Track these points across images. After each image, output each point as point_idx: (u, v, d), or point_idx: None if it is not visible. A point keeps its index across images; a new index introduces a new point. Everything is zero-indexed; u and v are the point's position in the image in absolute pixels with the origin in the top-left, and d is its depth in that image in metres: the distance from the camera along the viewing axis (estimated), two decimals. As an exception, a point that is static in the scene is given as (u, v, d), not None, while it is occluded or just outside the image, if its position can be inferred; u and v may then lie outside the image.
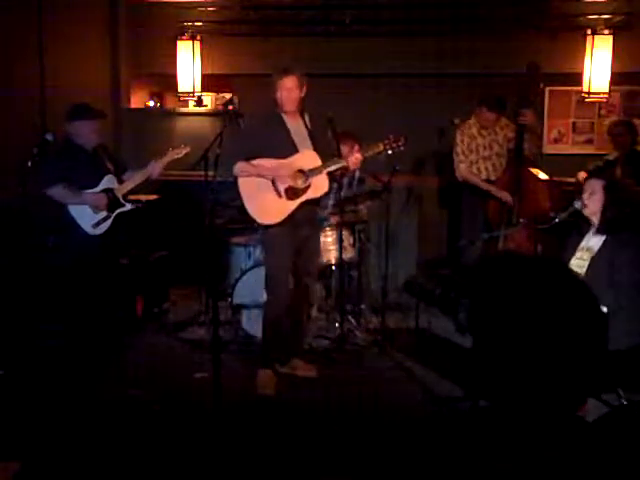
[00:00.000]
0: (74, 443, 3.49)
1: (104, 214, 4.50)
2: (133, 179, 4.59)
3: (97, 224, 4.47)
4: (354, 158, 4.21)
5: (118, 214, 4.55)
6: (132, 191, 4.67)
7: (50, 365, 4.33)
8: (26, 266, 4.73)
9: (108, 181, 4.55)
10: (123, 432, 3.62)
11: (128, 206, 4.57)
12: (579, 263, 3.87)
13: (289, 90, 4.15)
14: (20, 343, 4.48)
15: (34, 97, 5.46)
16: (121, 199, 4.55)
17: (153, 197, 4.94)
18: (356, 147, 4.25)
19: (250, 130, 4.38)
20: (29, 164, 4.54)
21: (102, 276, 4.53)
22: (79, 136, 4.51)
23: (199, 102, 6.77)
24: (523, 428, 3.57)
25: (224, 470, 3.31)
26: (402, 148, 4.27)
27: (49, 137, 4.55)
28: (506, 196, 5.07)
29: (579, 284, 3.57)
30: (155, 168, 4.58)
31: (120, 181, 4.59)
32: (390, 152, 4.26)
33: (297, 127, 4.24)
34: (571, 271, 3.77)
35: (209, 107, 6.92)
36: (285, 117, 4.22)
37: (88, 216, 4.47)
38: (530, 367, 3.64)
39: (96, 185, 4.51)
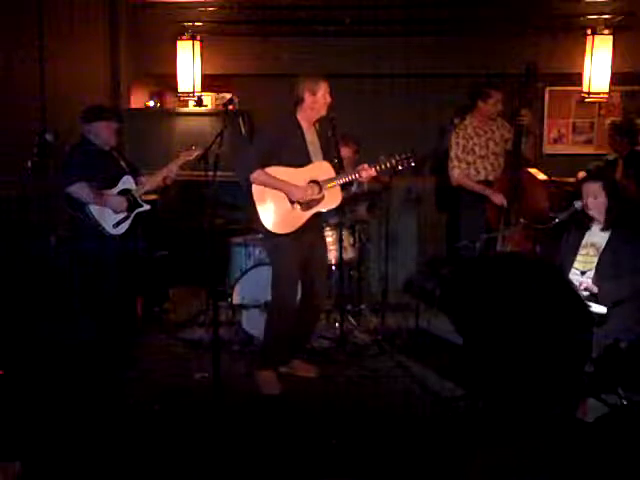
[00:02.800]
0: (74, 443, 3.49)
1: (124, 214, 4.55)
2: (150, 181, 4.64)
3: (117, 224, 4.53)
4: (367, 173, 4.19)
5: (136, 214, 4.59)
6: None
7: (51, 365, 4.33)
8: (32, 266, 4.75)
9: (126, 181, 4.59)
10: (123, 432, 3.63)
11: (146, 206, 4.64)
12: (586, 259, 3.92)
13: (326, 95, 4.16)
14: (21, 343, 4.48)
15: (34, 97, 5.46)
16: (139, 199, 4.59)
17: (153, 197, 4.95)
18: (365, 165, 4.24)
19: (267, 138, 4.28)
20: (29, 164, 4.55)
21: (123, 275, 4.57)
22: (97, 137, 4.54)
23: (199, 102, 6.77)
24: (520, 428, 3.57)
25: (224, 470, 3.31)
26: (413, 165, 4.27)
27: (49, 137, 4.57)
28: (500, 199, 5.04)
29: (566, 284, 3.60)
30: (171, 170, 4.65)
31: (136, 182, 4.63)
32: (400, 168, 4.26)
33: (312, 137, 4.24)
34: (558, 271, 3.80)
35: (209, 107, 6.92)
36: (304, 126, 4.21)
37: (109, 216, 4.51)
38: (517, 367, 3.65)
39: (114, 185, 4.56)
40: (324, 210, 4.24)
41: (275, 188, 4.13)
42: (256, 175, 4.11)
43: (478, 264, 4.22)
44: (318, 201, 4.18)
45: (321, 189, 4.16)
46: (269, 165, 4.14)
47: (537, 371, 3.57)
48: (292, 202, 4.16)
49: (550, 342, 3.51)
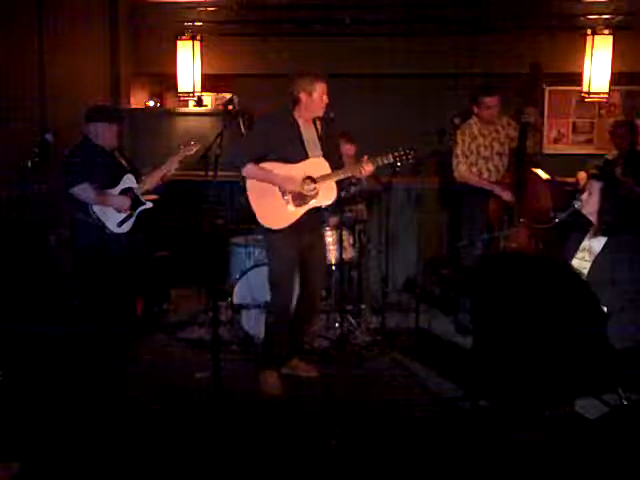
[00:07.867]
0: (74, 444, 3.49)
1: (127, 212, 4.56)
2: (151, 178, 4.67)
3: (121, 222, 4.55)
4: (365, 169, 4.15)
5: (139, 213, 4.62)
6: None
7: (51, 365, 4.33)
8: (32, 266, 4.75)
9: (128, 180, 4.62)
10: (123, 432, 3.63)
11: (148, 204, 4.67)
12: (581, 263, 3.89)
13: (323, 96, 4.12)
14: (21, 343, 4.48)
15: (34, 97, 5.46)
16: (141, 197, 4.62)
17: (153, 197, 4.96)
18: (365, 157, 4.21)
19: (263, 132, 4.26)
20: (29, 164, 4.56)
21: (130, 274, 4.60)
22: (98, 137, 4.56)
23: (199, 102, 6.78)
24: (523, 427, 3.57)
25: (224, 470, 3.31)
26: (411, 161, 4.25)
27: (49, 137, 4.58)
28: (508, 195, 5.05)
29: (581, 283, 3.58)
30: (171, 166, 4.70)
31: (137, 181, 4.65)
32: (399, 164, 4.24)
33: (310, 134, 4.20)
34: (573, 270, 3.78)
35: (209, 107, 6.92)
36: (301, 123, 4.18)
37: (112, 215, 4.53)
38: (531, 365, 3.64)
39: (116, 184, 4.59)
40: (319, 205, 4.23)
41: (265, 181, 4.13)
42: (248, 168, 4.11)
43: (490, 262, 4.21)
44: (312, 197, 4.18)
45: (316, 185, 4.16)
46: (265, 160, 4.14)
47: (551, 370, 3.57)
48: (285, 197, 4.15)
49: (565, 341, 3.51)
